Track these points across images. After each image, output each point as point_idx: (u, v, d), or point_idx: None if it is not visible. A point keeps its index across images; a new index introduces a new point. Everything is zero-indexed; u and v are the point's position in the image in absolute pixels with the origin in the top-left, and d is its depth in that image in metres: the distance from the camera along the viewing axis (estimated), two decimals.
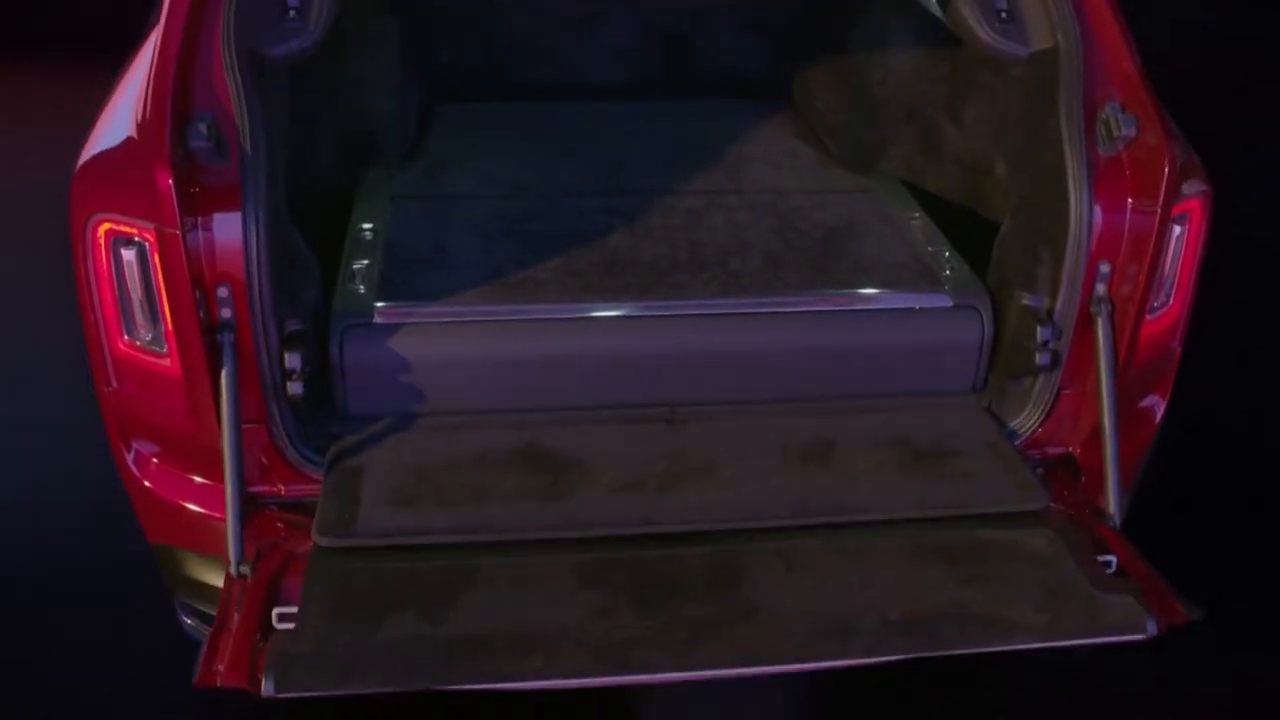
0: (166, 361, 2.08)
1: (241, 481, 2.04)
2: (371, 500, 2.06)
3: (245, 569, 2.01)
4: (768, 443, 2.23)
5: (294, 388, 2.10)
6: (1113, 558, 2.07)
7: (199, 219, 2.00)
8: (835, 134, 3.05)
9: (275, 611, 1.89)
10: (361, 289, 2.33)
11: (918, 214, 2.71)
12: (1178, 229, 2.26)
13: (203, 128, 1.96)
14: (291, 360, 2.09)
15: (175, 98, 1.99)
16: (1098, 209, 2.19)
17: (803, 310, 2.37)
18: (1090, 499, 2.26)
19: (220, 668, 1.80)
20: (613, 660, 1.80)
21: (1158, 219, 2.15)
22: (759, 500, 2.11)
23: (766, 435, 2.24)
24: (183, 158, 1.96)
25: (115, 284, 2.06)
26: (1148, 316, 2.30)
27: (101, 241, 2.04)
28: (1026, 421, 2.35)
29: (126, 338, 2.10)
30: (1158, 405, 2.49)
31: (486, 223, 2.60)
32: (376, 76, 2.86)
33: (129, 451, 2.24)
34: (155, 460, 2.24)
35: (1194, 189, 2.26)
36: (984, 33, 2.38)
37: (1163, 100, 2.23)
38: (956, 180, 2.79)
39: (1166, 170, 2.11)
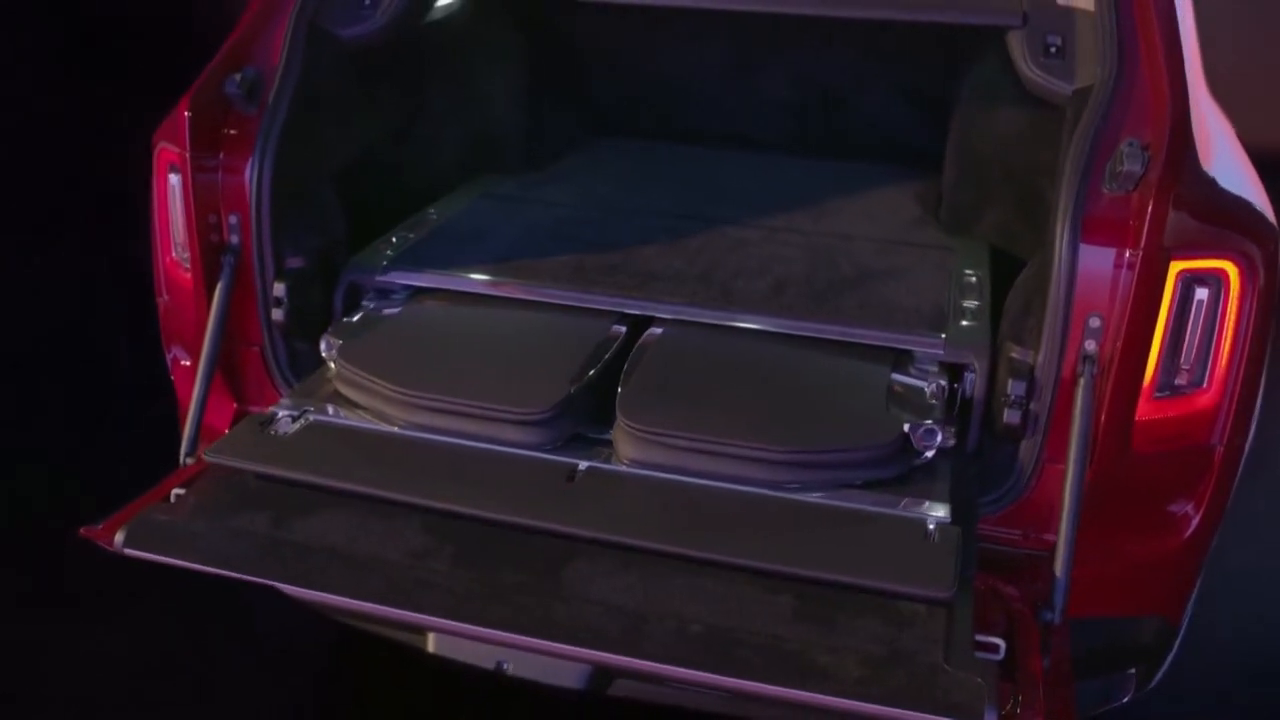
0: (189, 276, 2.40)
1: (209, 382, 2.28)
2: (296, 444, 2.11)
3: (190, 460, 2.24)
4: None
5: (277, 314, 2.34)
6: (1001, 642, 1.76)
7: (223, 155, 2.31)
8: (944, 194, 2.87)
9: (173, 492, 2.09)
10: (388, 253, 2.53)
11: (979, 272, 2.48)
12: (1201, 292, 1.92)
13: (237, 77, 2.29)
14: (279, 289, 2.33)
15: (231, 50, 2.34)
16: (1084, 253, 1.92)
17: (778, 331, 2.26)
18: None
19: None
20: (401, 595, 1.80)
21: (1138, 269, 1.85)
22: (633, 521, 1.91)
23: None
24: (218, 100, 2.29)
25: (167, 204, 2.42)
26: (1159, 394, 1.96)
27: (161, 165, 2.40)
28: (1001, 493, 2.06)
29: (173, 254, 2.45)
30: (1190, 515, 2.08)
31: (542, 224, 2.72)
32: (503, 90, 3.10)
33: (169, 357, 2.58)
34: (185, 368, 2.55)
35: (1227, 247, 1.91)
36: (1027, 67, 2.20)
37: None
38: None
39: (1150, 209, 1.82)
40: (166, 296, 2.52)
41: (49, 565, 2.99)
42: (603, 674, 1.81)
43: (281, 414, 2.17)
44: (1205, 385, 1.99)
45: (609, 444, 2.08)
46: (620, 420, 2.04)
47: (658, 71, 3.43)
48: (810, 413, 2.07)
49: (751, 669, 1.67)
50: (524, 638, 1.73)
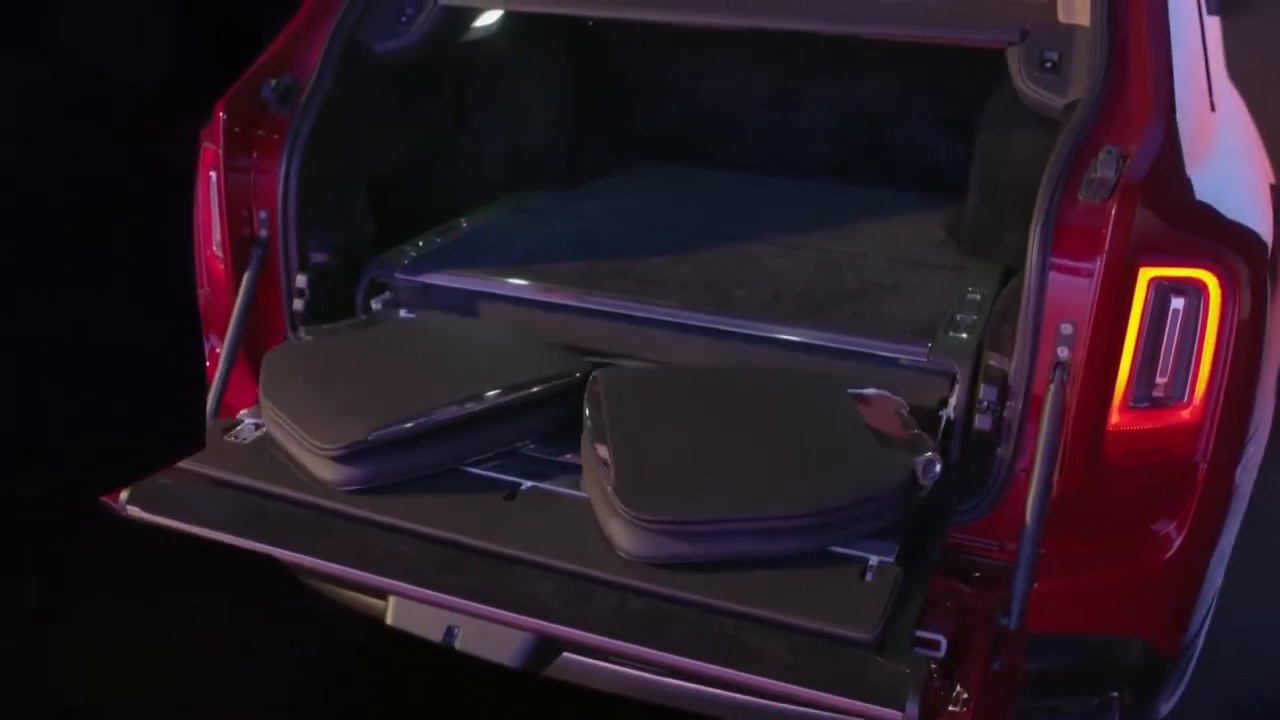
0: (223, 266, 2.56)
1: (231, 364, 2.42)
2: (247, 452, 2.15)
3: None
4: None
5: (299, 305, 2.48)
6: (942, 639, 1.75)
7: (256, 154, 2.47)
8: (965, 217, 2.86)
9: (183, 462, 2.22)
10: (411, 253, 2.65)
11: (984, 291, 2.46)
12: (1178, 302, 1.89)
13: (273, 82, 2.45)
14: (301, 282, 2.47)
15: (272, 57, 2.51)
16: (1055, 259, 1.92)
17: (766, 335, 2.29)
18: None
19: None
20: (369, 563, 1.89)
21: (1099, 276, 1.83)
22: (557, 542, 1.88)
23: None
24: (255, 103, 2.46)
25: (209, 199, 2.59)
26: (1136, 405, 1.93)
27: (203, 163, 2.58)
28: (976, 501, 2.05)
29: (212, 248, 2.62)
30: (1173, 534, 2.02)
31: (563, 234, 2.81)
32: (543, 111, 3.21)
33: (208, 346, 2.74)
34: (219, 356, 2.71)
35: (1204, 257, 1.88)
36: (1022, 82, 2.21)
37: None
38: None
39: (1114, 211, 1.80)
40: (206, 288, 2.69)
41: (49, 566, 3.09)
42: (545, 649, 1.86)
43: (246, 421, 2.22)
44: (1185, 399, 1.95)
45: (558, 464, 2.06)
46: (622, 511, 1.82)
47: (701, 99, 3.51)
48: (817, 467, 1.92)
49: (682, 646, 1.70)
50: (469, 603, 1.80)
